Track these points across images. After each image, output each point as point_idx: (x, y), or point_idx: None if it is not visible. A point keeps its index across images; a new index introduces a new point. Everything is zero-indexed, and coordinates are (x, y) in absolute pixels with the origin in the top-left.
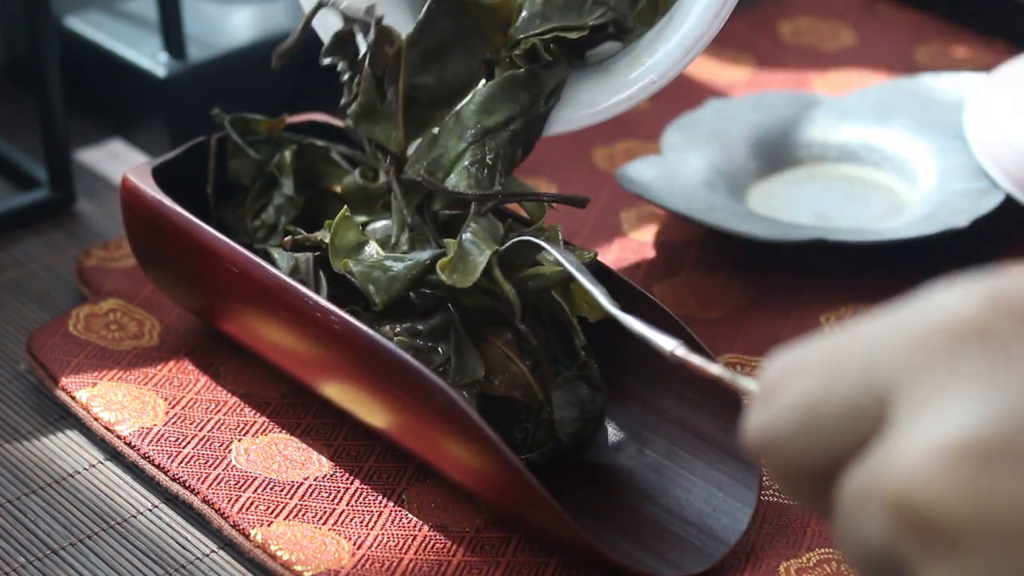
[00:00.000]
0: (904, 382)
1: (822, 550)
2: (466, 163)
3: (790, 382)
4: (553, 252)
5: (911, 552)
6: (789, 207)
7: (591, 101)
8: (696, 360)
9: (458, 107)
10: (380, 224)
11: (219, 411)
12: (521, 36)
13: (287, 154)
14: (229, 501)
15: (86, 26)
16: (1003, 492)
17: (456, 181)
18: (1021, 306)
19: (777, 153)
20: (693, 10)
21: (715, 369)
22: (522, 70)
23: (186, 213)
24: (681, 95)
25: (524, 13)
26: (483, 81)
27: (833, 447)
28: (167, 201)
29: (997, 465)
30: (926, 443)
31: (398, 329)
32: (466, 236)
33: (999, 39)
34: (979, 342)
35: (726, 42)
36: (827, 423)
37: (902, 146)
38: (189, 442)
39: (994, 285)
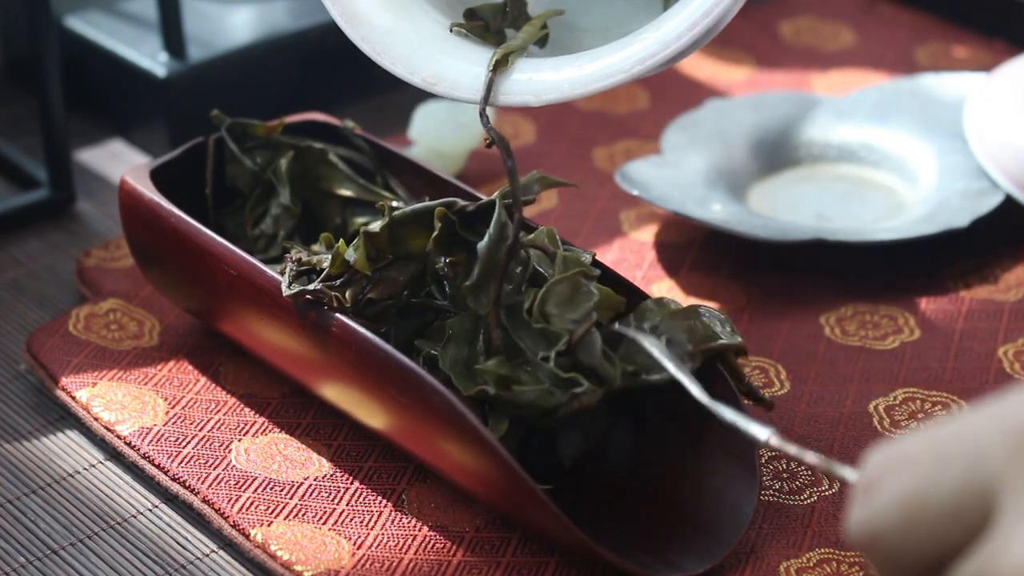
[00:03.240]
0: (1009, 480)
1: (822, 550)
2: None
3: (892, 477)
4: (654, 352)
5: None
6: (789, 207)
7: (600, 67)
8: (791, 449)
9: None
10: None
11: (219, 411)
12: None
13: (283, 162)
14: (229, 501)
15: (86, 26)
16: None
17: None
18: None
19: (777, 153)
20: None
21: (810, 457)
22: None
23: (184, 215)
24: (681, 95)
25: None
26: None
27: (938, 543)
28: (165, 203)
29: None
30: None
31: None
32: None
33: (999, 39)
34: None
35: (726, 42)
36: (931, 518)
37: (902, 146)
38: (189, 442)
39: None
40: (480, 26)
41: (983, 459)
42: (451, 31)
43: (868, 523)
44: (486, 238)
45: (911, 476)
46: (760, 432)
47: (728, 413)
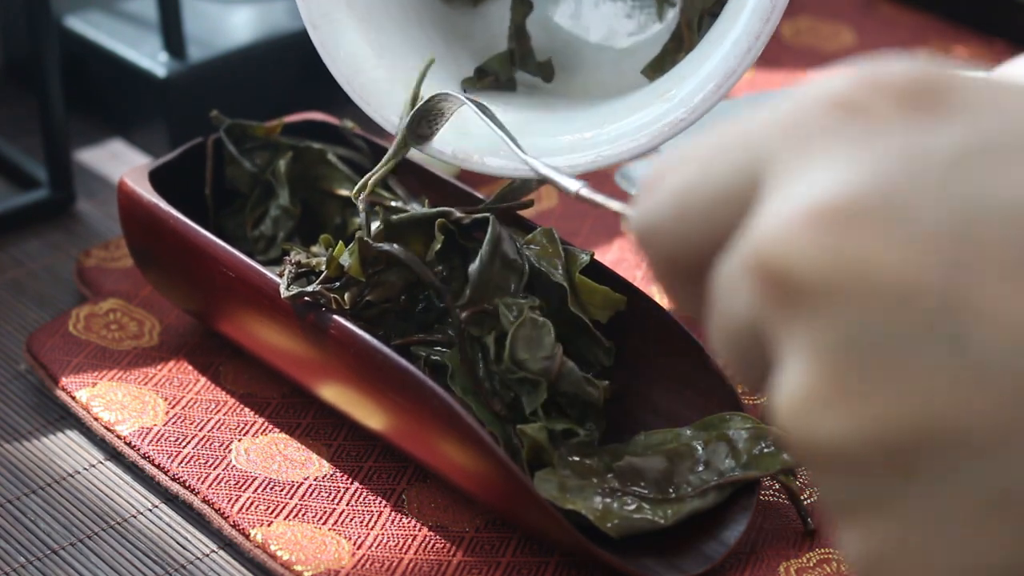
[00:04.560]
0: (776, 157)
1: (822, 550)
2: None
3: (671, 172)
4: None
5: (771, 316)
6: None
7: (615, 134)
8: (599, 198)
9: None
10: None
11: (219, 411)
12: None
13: (282, 163)
14: (229, 501)
15: (86, 26)
16: (862, 251)
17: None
18: (900, 85)
19: None
20: (722, 45)
21: (616, 205)
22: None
23: (183, 217)
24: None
25: None
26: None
27: (708, 232)
28: (164, 205)
29: (858, 225)
30: (789, 207)
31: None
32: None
33: (999, 39)
34: (854, 114)
35: None
36: (701, 206)
37: None
38: (189, 442)
39: (874, 67)
40: (491, 81)
41: (754, 142)
42: (463, 91)
43: (642, 217)
44: (478, 260)
45: (688, 169)
46: (571, 184)
47: (541, 167)
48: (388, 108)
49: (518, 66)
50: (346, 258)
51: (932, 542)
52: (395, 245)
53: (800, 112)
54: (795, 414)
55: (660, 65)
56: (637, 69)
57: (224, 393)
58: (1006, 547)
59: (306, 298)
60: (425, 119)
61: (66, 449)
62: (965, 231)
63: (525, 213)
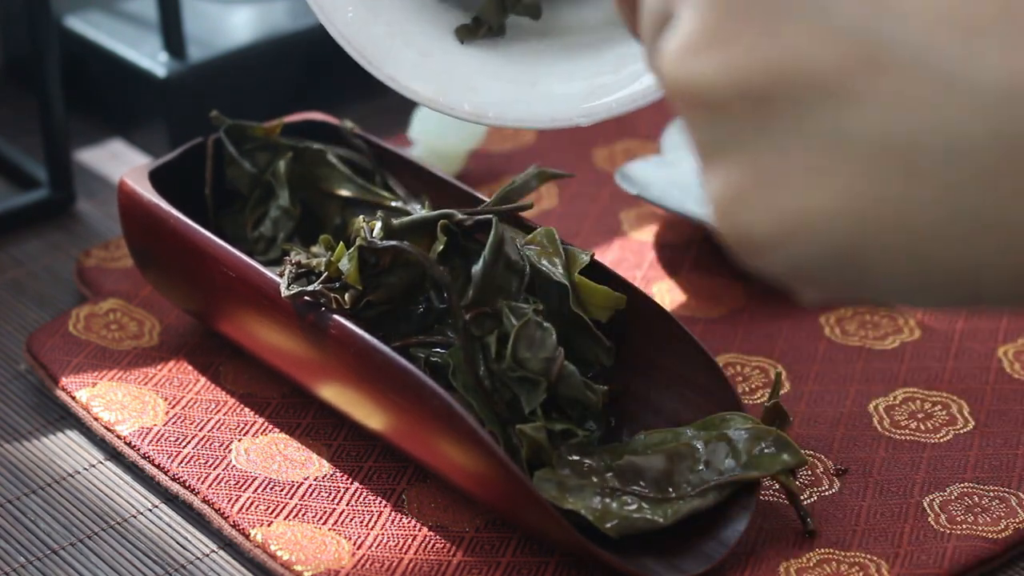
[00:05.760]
0: None
1: (822, 550)
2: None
3: None
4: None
5: None
6: None
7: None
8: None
9: None
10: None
11: (219, 411)
12: None
13: (281, 164)
14: (229, 501)
15: (86, 26)
16: None
17: None
18: None
19: None
20: None
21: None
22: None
23: (183, 217)
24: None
25: None
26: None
27: None
28: (164, 205)
29: None
30: None
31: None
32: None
33: None
34: None
35: None
36: None
37: None
38: (189, 442)
39: None
40: (485, 30)
41: None
42: (460, 41)
43: None
44: (481, 262)
45: None
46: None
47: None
48: (389, 64)
49: (509, 10)
50: (345, 263)
51: (780, 181)
52: (404, 242)
53: None
54: (676, 58)
55: None
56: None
57: (224, 393)
58: (841, 189)
59: (306, 298)
60: None
61: (66, 449)
62: None
63: (525, 213)
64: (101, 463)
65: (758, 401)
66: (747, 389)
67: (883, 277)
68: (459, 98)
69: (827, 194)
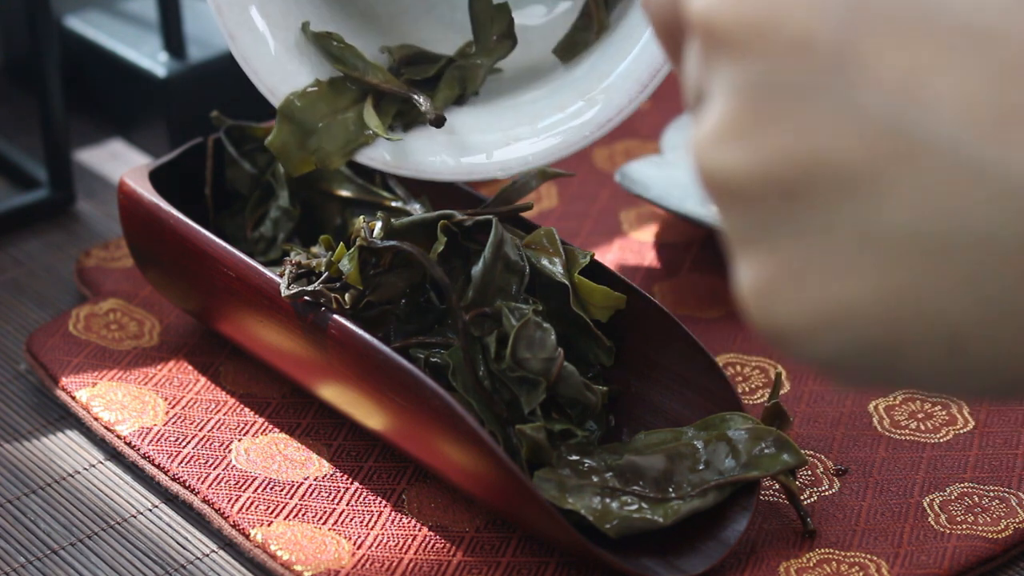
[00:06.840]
0: None
1: (822, 550)
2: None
3: None
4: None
5: (703, 62)
6: None
7: (543, 131)
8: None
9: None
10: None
11: (219, 411)
12: None
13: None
14: (229, 501)
15: (86, 26)
16: (775, 4)
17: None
18: None
19: None
20: (644, 36)
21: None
22: None
23: (183, 217)
24: (681, 95)
25: None
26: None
27: None
28: (164, 205)
29: None
30: None
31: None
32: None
33: None
34: None
35: None
36: None
37: None
38: (189, 442)
39: None
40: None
41: None
42: (390, 69)
43: None
44: (481, 262)
45: None
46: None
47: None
48: (274, 75)
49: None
50: (345, 263)
51: (811, 273)
52: (405, 242)
53: None
54: (706, 147)
55: (571, 44)
56: (549, 49)
57: (224, 393)
58: (871, 282)
59: (306, 298)
60: None
61: (66, 449)
62: None
63: (525, 213)
64: (101, 463)
65: (758, 401)
66: (747, 389)
67: (919, 367)
68: (380, 150)
69: (859, 286)
